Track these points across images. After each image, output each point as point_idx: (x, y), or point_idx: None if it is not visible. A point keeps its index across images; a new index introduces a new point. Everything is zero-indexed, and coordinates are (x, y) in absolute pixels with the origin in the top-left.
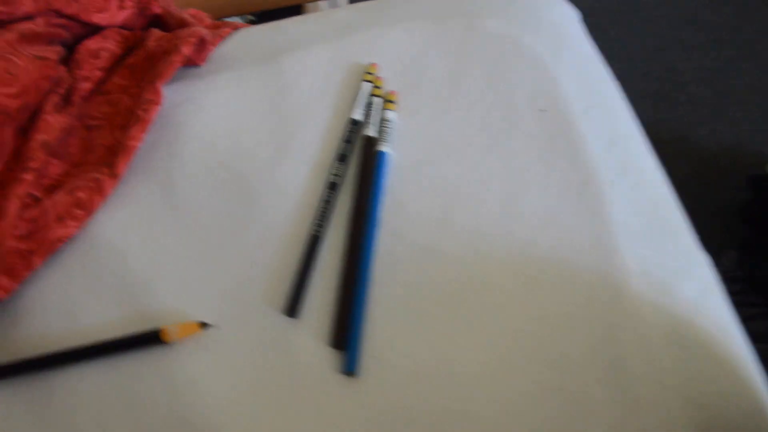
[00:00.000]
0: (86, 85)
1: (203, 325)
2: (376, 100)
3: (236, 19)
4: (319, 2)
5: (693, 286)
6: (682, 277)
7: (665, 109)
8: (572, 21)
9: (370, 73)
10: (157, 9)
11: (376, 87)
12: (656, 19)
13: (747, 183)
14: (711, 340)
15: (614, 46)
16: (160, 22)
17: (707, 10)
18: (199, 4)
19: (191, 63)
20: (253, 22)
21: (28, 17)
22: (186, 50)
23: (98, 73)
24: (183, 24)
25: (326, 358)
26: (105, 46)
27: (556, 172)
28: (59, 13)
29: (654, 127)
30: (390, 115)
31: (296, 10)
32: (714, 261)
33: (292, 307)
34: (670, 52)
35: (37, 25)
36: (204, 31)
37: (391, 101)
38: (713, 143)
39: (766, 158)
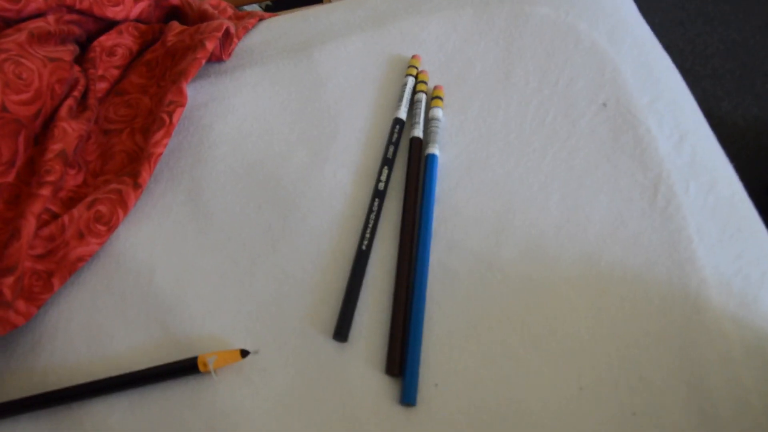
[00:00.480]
0: (102, 86)
1: (244, 353)
2: (421, 96)
3: (253, 7)
4: None
5: None
6: (763, 285)
7: (689, 84)
8: (627, 4)
9: (413, 67)
10: (174, 0)
11: (422, 82)
12: None
13: None
14: None
15: None
16: (178, 13)
17: None
18: None
19: (216, 58)
20: (269, 8)
21: (39, 14)
22: (210, 45)
23: (115, 72)
24: (204, 16)
25: (381, 386)
26: (121, 41)
27: (624, 173)
28: (71, 9)
29: None
30: (438, 113)
31: None
32: None
33: (341, 330)
34: (693, 24)
35: (49, 23)
36: (228, 24)
37: (438, 97)
38: (739, 118)
39: None
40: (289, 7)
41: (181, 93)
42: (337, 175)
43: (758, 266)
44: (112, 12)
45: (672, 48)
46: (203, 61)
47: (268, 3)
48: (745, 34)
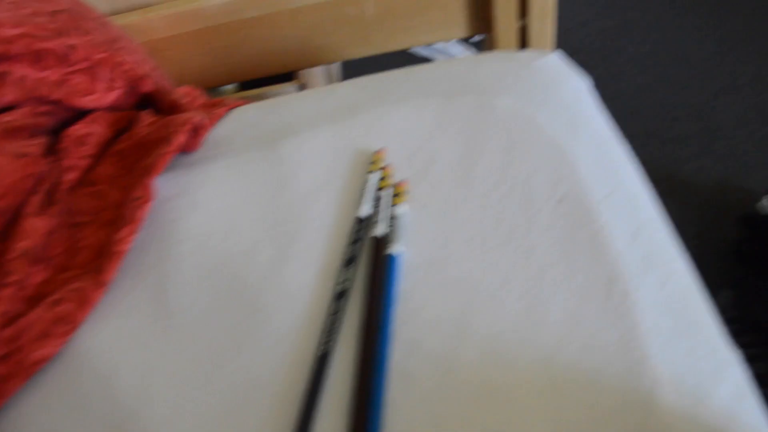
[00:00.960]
0: (72, 176)
1: None
2: (384, 192)
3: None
4: (312, 69)
5: (726, 390)
6: (715, 380)
7: (654, 147)
8: (586, 95)
9: (377, 162)
10: (148, 87)
11: (384, 178)
12: (641, 57)
13: (739, 222)
14: None
15: (601, 85)
16: (152, 99)
17: (690, 45)
18: (192, 75)
19: (185, 150)
20: (245, 86)
21: (10, 107)
22: (179, 140)
23: (85, 162)
24: (175, 105)
25: None
26: (92, 131)
27: (579, 270)
28: (44, 100)
29: (644, 165)
30: (400, 210)
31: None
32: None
33: None
34: (657, 88)
35: (20, 117)
36: (198, 117)
37: (401, 194)
38: (703, 180)
39: (756, 195)
40: (261, 84)
41: (147, 188)
42: (300, 275)
43: (710, 361)
44: (85, 102)
45: (638, 112)
46: (172, 156)
47: (240, 83)
48: (707, 97)
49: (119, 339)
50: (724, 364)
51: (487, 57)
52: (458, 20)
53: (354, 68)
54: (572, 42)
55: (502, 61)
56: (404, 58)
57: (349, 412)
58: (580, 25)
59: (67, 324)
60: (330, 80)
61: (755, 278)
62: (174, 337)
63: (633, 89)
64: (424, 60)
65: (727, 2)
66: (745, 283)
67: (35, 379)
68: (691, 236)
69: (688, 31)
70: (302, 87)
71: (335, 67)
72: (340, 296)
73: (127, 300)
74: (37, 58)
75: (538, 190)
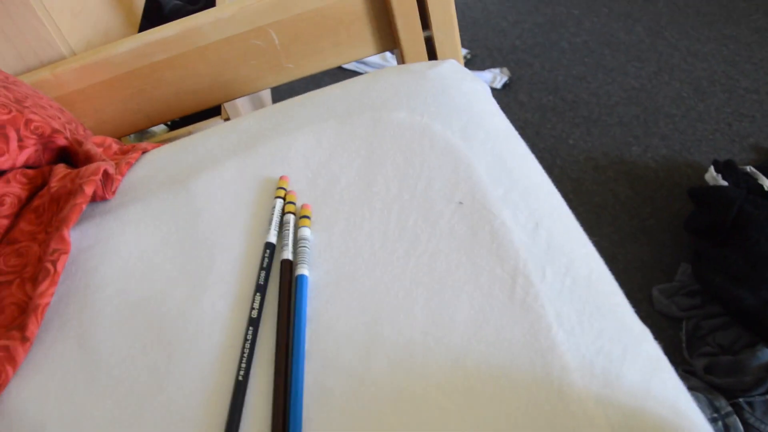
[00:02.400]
0: None
1: None
2: (289, 217)
3: (161, 126)
4: (237, 101)
5: (637, 367)
6: (625, 360)
7: (598, 134)
8: (482, 97)
9: (281, 188)
10: (61, 141)
11: (289, 203)
12: (575, 48)
13: (689, 195)
14: (663, 423)
15: (541, 79)
16: (68, 152)
17: (621, 32)
18: (110, 123)
19: (99, 198)
20: (175, 124)
21: None
22: (89, 190)
23: (4, 222)
24: (88, 156)
25: None
26: (9, 191)
27: (483, 269)
28: None
29: (590, 153)
30: (305, 232)
31: (215, 109)
32: (670, 276)
33: None
34: (594, 77)
35: None
36: (107, 165)
37: (305, 216)
38: (649, 160)
39: (701, 168)
40: (191, 122)
41: (63, 240)
42: (216, 306)
43: (619, 341)
44: None
45: (579, 102)
46: (84, 206)
47: (167, 124)
48: (642, 80)
49: (48, 390)
50: (634, 342)
51: (382, 72)
52: (365, 38)
53: (286, 88)
54: (508, 41)
55: (397, 75)
56: (342, 74)
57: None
58: (513, 24)
59: None
60: (259, 108)
61: (710, 249)
62: (99, 383)
63: (571, 80)
64: (353, 73)
65: None
66: (701, 255)
67: None
68: (646, 215)
69: (617, 19)
70: (228, 120)
71: (264, 94)
72: (253, 323)
73: (53, 352)
74: None
75: (438, 195)
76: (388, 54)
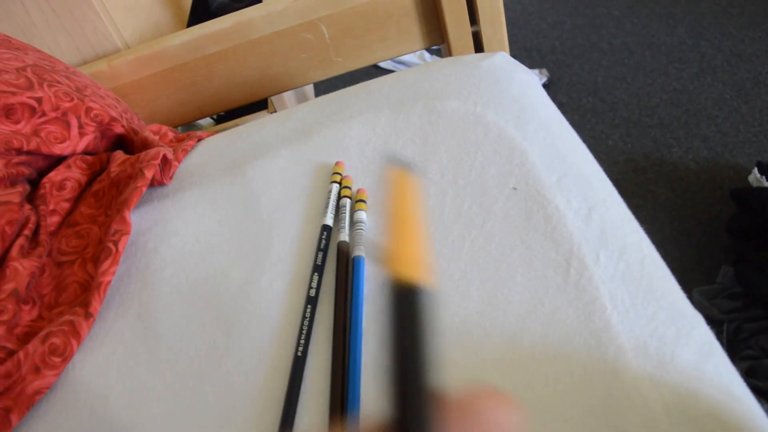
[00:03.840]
0: (54, 219)
1: None
2: (345, 201)
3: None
4: (284, 95)
5: (690, 350)
6: (678, 342)
7: (638, 135)
8: (533, 88)
9: (337, 173)
10: (119, 129)
11: (345, 187)
12: (616, 49)
13: (731, 197)
14: (717, 405)
15: (580, 80)
16: (124, 141)
17: (662, 33)
18: (162, 114)
19: (158, 183)
20: (221, 118)
21: None
22: (149, 173)
23: (65, 205)
24: (146, 143)
25: None
26: (69, 175)
27: (537, 252)
28: (20, 151)
29: (630, 155)
30: (362, 215)
31: (261, 103)
32: (710, 279)
33: None
34: (634, 78)
35: None
36: (166, 150)
37: (361, 200)
38: (690, 162)
39: (745, 170)
40: (237, 115)
41: (125, 222)
42: (273, 285)
43: (672, 324)
44: (60, 149)
45: (618, 103)
46: (144, 189)
47: (214, 117)
48: (684, 82)
49: (110, 363)
50: (687, 326)
51: (435, 64)
52: (413, 33)
53: (326, 85)
54: (547, 41)
55: (450, 66)
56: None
57: (329, 408)
58: (553, 25)
59: (60, 355)
60: (304, 101)
61: (753, 251)
62: (160, 358)
63: (611, 81)
64: (389, 71)
65: None
66: (744, 257)
67: (35, 411)
68: (687, 217)
69: (659, 20)
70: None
71: (308, 89)
72: (311, 301)
73: (115, 327)
74: (8, 112)
75: (492, 181)
76: (426, 54)
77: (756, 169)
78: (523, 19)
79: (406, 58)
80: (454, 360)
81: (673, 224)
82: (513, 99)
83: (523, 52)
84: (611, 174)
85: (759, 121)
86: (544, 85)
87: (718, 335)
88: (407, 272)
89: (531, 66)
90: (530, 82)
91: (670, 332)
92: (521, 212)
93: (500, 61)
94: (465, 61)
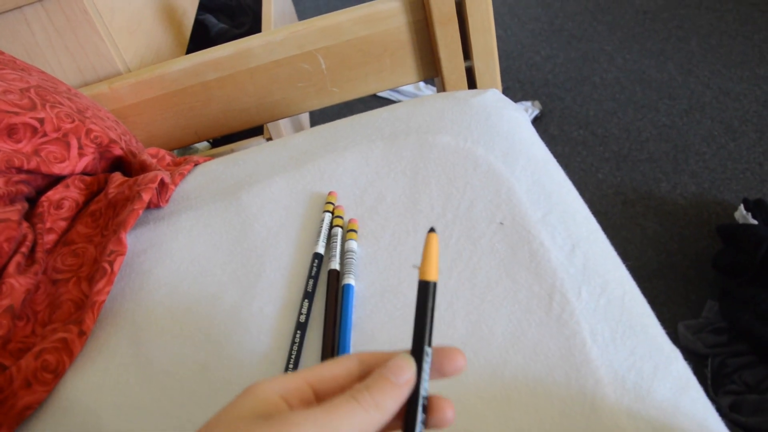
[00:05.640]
0: (51, 237)
1: None
2: (337, 230)
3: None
4: (279, 121)
5: (667, 385)
6: (656, 377)
7: (627, 169)
8: (523, 125)
9: (330, 203)
10: (117, 151)
11: (337, 217)
12: (607, 84)
13: (717, 232)
14: None
15: (572, 113)
16: (122, 162)
17: (653, 69)
18: (160, 137)
19: (154, 206)
20: (217, 142)
21: None
22: (147, 196)
23: (62, 223)
24: (143, 166)
25: None
26: (67, 195)
27: (521, 286)
28: (20, 170)
29: (619, 188)
30: (352, 245)
31: (257, 128)
32: (695, 313)
33: None
34: (625, 112)
35: None
36: (164, 174)
37: (352, 230)
38: (678, 196)
39: (731, 206)
40: (233, 140)
41: (120, 243)
42: (264, 310)
43: (650, 359)
44: (59, 168)
45: (609, 137)
46: (141, 212)
47: (210, 141)
48: (673, 117)
49: (102, 382)
50: (665, 361)
51: (428, 98)
52: (408, 66)
53: (322, 114)
54: (540, 74)
55: (442, 101)
56: (375, 102)
57: None
58: (546, 59)
59: (52, 372)
60: (298, 129)
61: (738, 287)
62: (152, 377)
63: (602, 115)
64: (387, 100)
65: (684, 26)
66: (729, 292)
67: (25, 426)
68: (673, 251)
69: (649, 56)
70: (270, 140)
71: (303, 116)
72: (301, 327)
73: (107, 346)
74: (10, 132)
75: (480, 216)
76: (421, 84)
77: (742, 206)
78: (517, 51)
79: (403, 87)
80: (436, 389)
81: (660, 258)
82: (503, 135)
83: (517, 84)
84: (600, 206)
85: (746, 159)
86: (537, 118)
87: (703, 369)
88: None
89: (524, 98)
90: (520, 119)
91: (647, 366)
92: (507, 246)
93: (491, 97)
94: (457, 96)
